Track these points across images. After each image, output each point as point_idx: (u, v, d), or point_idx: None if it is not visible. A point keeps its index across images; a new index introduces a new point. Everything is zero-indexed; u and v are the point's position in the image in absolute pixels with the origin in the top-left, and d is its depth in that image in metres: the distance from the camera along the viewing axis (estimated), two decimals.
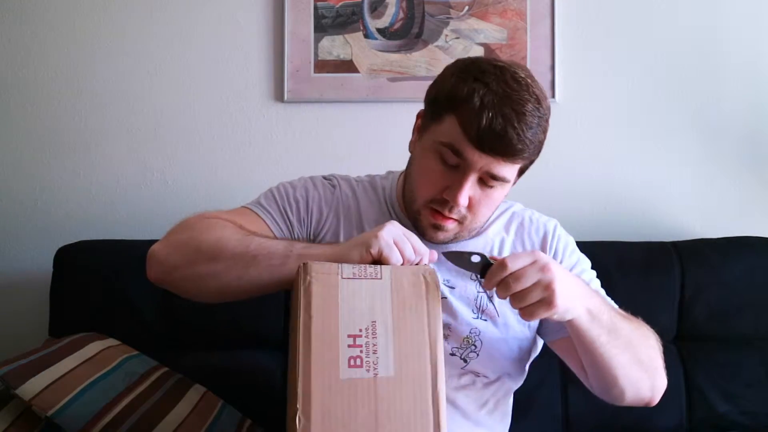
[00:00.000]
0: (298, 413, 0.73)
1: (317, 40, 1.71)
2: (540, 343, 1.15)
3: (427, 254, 0.90)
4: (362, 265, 0.83)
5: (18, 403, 1.06)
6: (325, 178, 1.16)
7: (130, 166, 1.73)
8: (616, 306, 1.07)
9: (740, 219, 1.70)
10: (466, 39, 1.70)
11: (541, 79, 1.67)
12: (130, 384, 1.18)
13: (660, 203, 1.71)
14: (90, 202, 1.73)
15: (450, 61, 1.66)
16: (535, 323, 1.10)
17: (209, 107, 1.73)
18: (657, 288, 1.48)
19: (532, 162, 1.00)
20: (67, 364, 1.15)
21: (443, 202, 0.98)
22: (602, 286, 1.47)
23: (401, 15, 1.71)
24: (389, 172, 1.18)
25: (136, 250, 1.51)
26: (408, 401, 0.76)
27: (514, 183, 1.03)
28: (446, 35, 1.71)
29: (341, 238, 1.07)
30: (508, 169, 0.95)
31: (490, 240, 1.11)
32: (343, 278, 0.80)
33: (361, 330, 0.78)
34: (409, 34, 1.71)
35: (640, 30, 1.71)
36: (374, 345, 0.77)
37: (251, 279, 0.94)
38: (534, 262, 0.84)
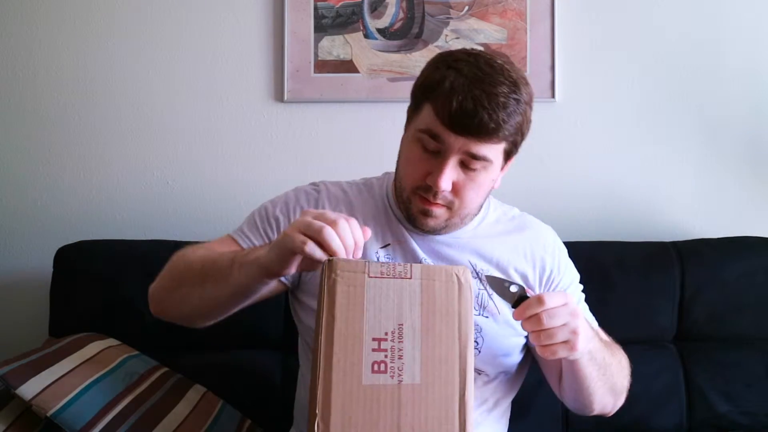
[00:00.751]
0: (317, 419, 0.71)
1: (317, 40, 1.71)
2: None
3: (346, 224, 0.83)
4: (391, 263, 0.79)
5: (18, 403, 1.07)
6: (312, 184, 1.16)
7: (130, 166, 1.73)
8: (601, 332, 1.11)
9: (740, 219, 1.69)
10: (466, 39, 1.70)
11: (541, 79, 1.68)
12: (130, 384, 1.19)
13: (660, 203, 1.71)
14: (90, 202, 1.73)
15: None
16: None
17: (209, 107, 1.73)
18: (657, 288, 1.48)
19: (516, 145, 1.00)
20: (67, 364, 1.15)
21: (428, 189, 0.99)
22: (602, 286, 1.49)
23: (401, 15, 1.71)
24: (386, 173, 1.18)
25: (136, 250, 1.52)
26: (433, 411, 0.73)
27: (503, 169, 1.04)
28: (446, 35, 1.71)
29: None
30: (487, 149, 0.96)
31: (486, 231, 1.11)
32: (370, 277, 0.76)
33: (386, 333, 0.74)
34: (409, 34, 1.71)
35: (640, 30, 1.71)
36: (400, 350, 0.74)
37: (211, 296, 0.96)
38: (566, 305, 0.88)
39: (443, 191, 0.97)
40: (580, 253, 1.52)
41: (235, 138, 1.73)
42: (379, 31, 1.72)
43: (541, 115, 1.72)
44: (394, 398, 0.73)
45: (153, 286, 1.07)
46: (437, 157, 0.97)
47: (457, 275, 0.78)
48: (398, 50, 1.71)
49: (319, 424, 0.71)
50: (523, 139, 1.00)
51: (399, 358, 0.74)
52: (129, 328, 1.44)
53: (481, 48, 1.70)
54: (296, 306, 1.13)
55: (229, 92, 1.73)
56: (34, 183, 1.73)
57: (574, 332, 0.88)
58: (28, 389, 1.05)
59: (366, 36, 1.71)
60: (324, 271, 0.77)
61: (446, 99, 0.93)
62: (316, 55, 1.70)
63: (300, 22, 1.70)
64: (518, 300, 0.89)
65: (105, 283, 1.49)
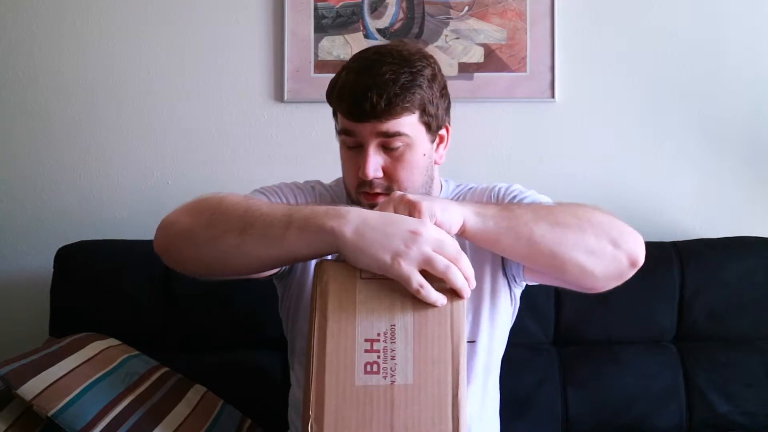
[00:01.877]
0: (311, 420, 0.71)
1: (317, 40, 1.71)
2: (516, 307, 1.13)
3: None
4: None
5: (19, 403, 1.07)
6: (305, 182, 1.18)
7: (130, 166, 1.73)
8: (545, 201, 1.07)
9: (740, 219, 1.69)
10: (465, 39, 1.70)
11: (541, 79, 1.69)
12: (130, 384, 1.19)
13: (660, 203, 1.71)
14: (90, 202, 1.73)
15: (450, 60, 1.69)
16: (501, 278, 1.08)
17: (209, 107, 1.73)
18: (657, 288, 1.48)
19: (430, 114, 1.01)
20: (67, 364, 1.15)
21: (364, 184, 1.02)
22: None
23: (401, 15, 1.71)
24: (336, 179, 1.20)
25: (136, 250, 1.52)
26: (426, 411, 0.73)
27: (439, 143, 1.07)
28: (446, 35, 1.71)
29: None
30: (395, 125, 0.98)
31: None
32: (361, 279, 0.76)
33: (379, 334, 0.74)
34: (409, 34, 1.71)
35: (641, 30, 1.71)
36: (392, 350, 0.74)
37: (250, 251, 0.84)
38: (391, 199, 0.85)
39: (373, 179, 1.00)
40: None
41: (235, 138, 1.73)
42: (379, 31, 1.72)
43: (541, 115, 1.74)
44: (387, 399, 0.73)
45: (169, 218, 0.95)
46: (359, 150, 1.01)
47: None
48: None
49: (312, 425, 0.72)
50: (442, 107, 1.03)
51: (391, 359, 0.74)
52: (129, 328, 1.44)
53: (481, 48, 1.70)
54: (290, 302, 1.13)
55: (229, 92, 1.73)
56: (34, 183, 1.73)
57: (408, 202, 0.82)
58: (29, 389, 1.05)
59: (366, 36, 1.71)
60: (316, 272, 0.77)
61: (342, 96, 0.99)
62: (316, 55, 1.70)
63: (300, 22, 1.70)
64: None
65: (105, 283, 1.49)
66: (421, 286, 0.75)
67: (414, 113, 0.99)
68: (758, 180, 1.71)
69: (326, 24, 1.71)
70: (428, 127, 1.03)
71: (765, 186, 1.72)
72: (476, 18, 1.70)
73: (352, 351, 0.74)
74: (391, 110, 0.97)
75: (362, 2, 1.71)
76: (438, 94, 1.02)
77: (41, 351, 1.20)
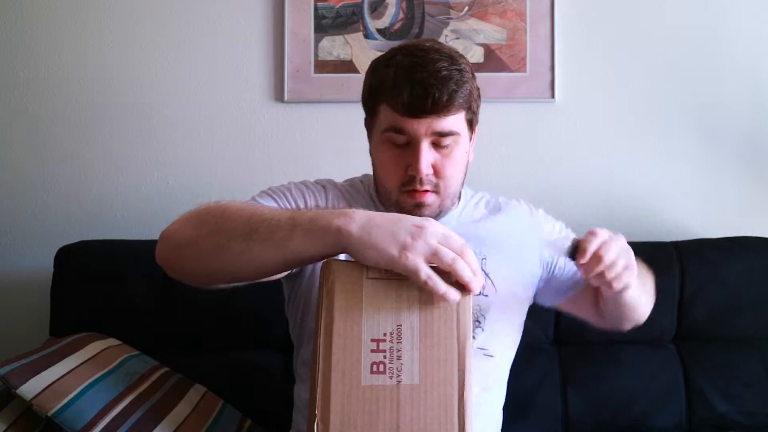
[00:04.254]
0: (317, 419, 0.71)
1: (317, 41, 1.71)
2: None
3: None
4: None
5: (19, 402, 1.07)
6: (316, 181, 1.16)
7: (130, 166, 1.73)
8: None
9: (740, 219, 1.69)
10: (466, 39, 1.70)
11: (541, 79, 1.69)
12: (130, 384, 1.19)
13: (660, 203, 1.71)
14: (90, 202, 1.73)
15: None
16: (530, 292, 1.16)
17: (209, 107, 1.73)
18: (657, 288, 1.48)
19: (474, 112, 1.04)
20: (67, 364, 1.15)
21: (412, 180, 1.00)
22: None
23: (401, 15, 1.71)
24: (365, 175, 1.19)
25: (136, 250, 1.52)
26: (432, 410, 0.73)
27: (472, 140, 1.07)
28: (446, 35, 1.71)
29: None
30: (450, 122, 0.99)
31: (471, 216, 1.14)
32: (368, 278, 0.76)
33: (385, 334, 0.74)
34: (409, 34, 1.71)
35: (641, 30, 1.71)
36: (399, 350, 0.74)
37: (256, 257, 0.83)
38: (609, 234, 0.91)
39: (426, 175, 0.99)
40: None
41: (235, 138, 1.73)
42: (379, 31, 1.72)
43: (541, 115, 1.74)
44: (393, 399, 0.73)
45: (171, 229, 0.94)
46: (409, 148, 1.00)
47: None
48: None
49: (318, 424, 0.71)
50: (478, 105, 1.05)
51: (398, 359, 0.74)
52: (129, 328, 1.44)
53: (481, 48, 1.70)
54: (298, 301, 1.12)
55: (229, 92, 1.73)
56: (34, 183, 1.73)
57: (628, 254, 0.92)
58: (29, 389, 1.05)
59: (366, 36, 1.71)
60: (323, 272, 0.77)
61: (396, 92, 0.96)
62: (316, 55, 1.70)
63: (300, 22, 1.70)
64: (573, 250, 0.89)
65: (105, 282, 1.49)
66: (429, 278, 0.75)
67: (463, 110, 1.01)
68: (758, 180, 1.71)
69: (326, 24, 1.71)
70: (470, 124, 1.05)
71: (765, 186, 1.72)
72: (476, 18, 1.70)
73: (359, 351, 0.74)
74: (449, 107, 0.97)
75: (362, 2, 1.71)
76: (477, 93, 1.04)
77: (41, 351, 1.20)
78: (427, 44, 1.00)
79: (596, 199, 1.71)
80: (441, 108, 0.96)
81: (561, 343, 1.50)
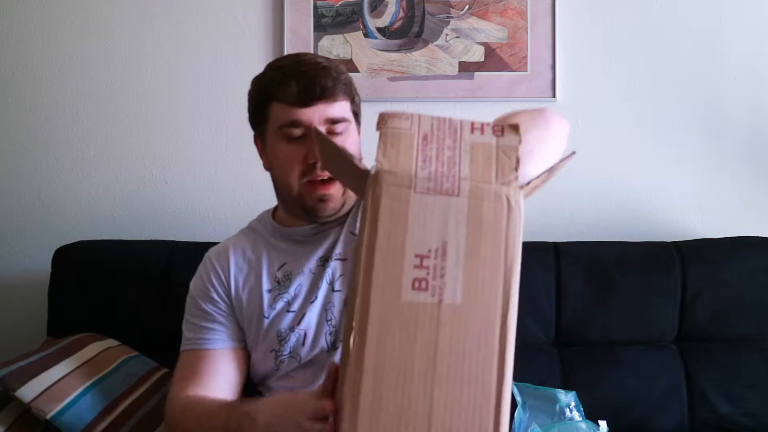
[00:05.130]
0: (354, 332, 0.69)
1: (317, 40, 1.70)
2: None
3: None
4: (439, 179, 0.73)
5: (17, 405, 1.06)
6: (210, 261, 1.17)
7: (129, 166, 1.72)
8: None
9: (742, 219, 1.69)
10: (466, 38, 1.70)
11: (542, 78, 1.68)
12: (130, 386, 1.18)
13: (661, 203, 1.71)
14: (89, 202, 1.72)
15: (450, 59, 1.69)
16: None
17: (209, 107, 1.72)
18: (658, 288, 1.48)
19: (357, 104, 1.12)
20: (66, 366, 1.15)
21: (312, 168, 1.04)
22: (603, 286, 1.48)
23: (401, 14, 1.71)
24: (260, 214, 1.23)
25: (135, 250, 1.52)
26: (472, 333, 0.70)
27: (359, 134, 1.13)
28: (446, 34, 1.70)
29: (248, 292, 1.12)
30: (338, 109, 1.06)
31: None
32: (416, 192, 0.72)
33: (429, 251, 0.71)
34: (409, 33, 1.71)
35: (641, 30, 1.71)
36: (443, 268, 0.70)
37: None
38: None
39: None
40: (581, 253, 1.52)
41: (235, 138, 1.72)
42: (379, 30, 1.71)
43: None
44: (433, 317, 0.70)
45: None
46: (305, 139, 1.04)
47: (507, 197, 0.73)
48: (398, 49, 1.70)
49: (355, 337, 0.69)
50: (359, 100, 1.12)
51: (441, 277, 0.70)
52: (128, 328, 1.43)
53: (481, 47, 1.69)
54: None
55: (228, 92, 1.72)
56: (33, 183, 1.72)
57: None
58: (28, 391, 1.05)
59: (366, 35, 1.71)
60: (369, 184, 0.73)
61: (286, 85, 1.04)
62: (315, 54, 1.70)
63: (300, 21, 1.70)
64: None
65: (104, 283, 1.48)
66: None
67: (347, 99, 1.08)
68: (759, 180, 1.71)
69: (326, 23, 1.70)
70: (356, 116, 1.12)
71: (765, 186, 1.71)
72: (477, 17, 1.70)
73: (401, 266, 0.70)
74: (335, 92, 1.04)
75: (362, 1, 1.70)
76: (355, 88, 1.11)
77: (40, 352, 1.19)
78: (304, 52, 1.12)
79: (597, 199, 1.71)
80: (328, 94, 1.04)
81: (561, 344, 1.50)
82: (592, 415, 1.42)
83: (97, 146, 1.72)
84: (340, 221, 1.12)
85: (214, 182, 1.72)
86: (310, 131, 1.03)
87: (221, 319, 1.12)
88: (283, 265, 1.12)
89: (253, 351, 1.12)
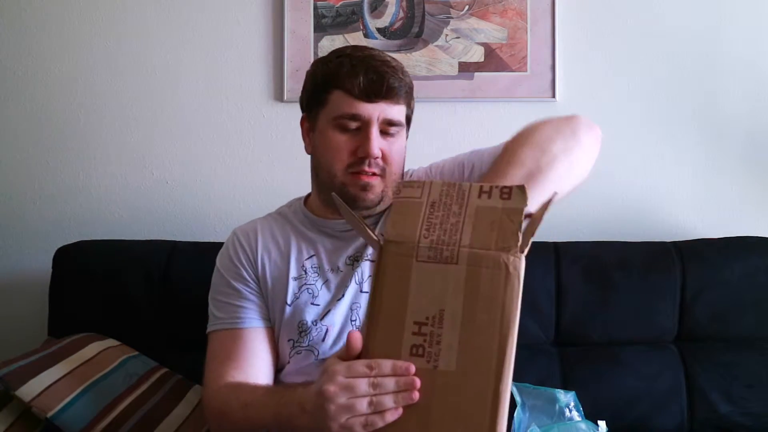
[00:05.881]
0: None
1: (317, 40, 1.70)
2: None
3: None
4: (439, 247, 0.76)
5: (18, 404, 1.06)
6: (238, 239, 1.16)
7: (129, 166, 1.72)
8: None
9: (741, 219, 1.69)
10: (466, 38, 1.70)
11: (542, 78, 1.68)
12: (130, 385, 1.19)
13: (660, 203, 1.71)
14: (90, 202, 1.72)
15: (450, 60, 1.69)
16: None
17: (209, 107, 1.72)
18: (658, 288, 1.48)
19: (412, 109, 1.12)
20: (66, 365, 1.15)
21: (360, 162, 1.04)
22: (603, 286, 1.48)
23: (401, 14, 1.71)
24: (290, 201, 1.22)
25: (135, 250, 1.52)
26: (465, 400, 0.72)
27: (407, 135, 1.13)
28: (446, 35, 1.70)
29: (273, 275, 1.11)
30: (397, 111, 1.06)
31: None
32: (417, 261, 0.76)
33: (427, 318, 0.74)
34: (409, 33, 1.71)
35: (641, 30, 1.71)
36: (439, 335, 0.74)
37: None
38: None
39: (376, 157, 1.04)
40: (581, 253, 1.53)
41: (235, 138, 1.72)
42: (379, 30, 1.71)
43: (541, 114, 1.71)
44: (428, 383, 0.73)
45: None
46: (359, 132, 1.05)
47: (505, 263, 0.75)
48: (398, 50, 1.70)
49: None
50: (414, 104, 1.12)
51: (437, 344, 0.74)
52: (128, 328, 1.43)
53: (481, 48, 1.69)
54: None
55: (228, 92, 1.72)
56: (33, 183, 1.72)
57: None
58: (28, 390, 1.05)
59: (366, 35, 1.71)
60: (377, 254, 0.78)
61: (354, 77, 1.03)
62: (316, 54, 1.70)
63: (300, 21, 1.70)
64: None
65: (104, 283, 1.48)
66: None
67: (406, 104, 1.09)
68: (759, 180, 1.71)
69: (326, 23, 1.70)
70: (408, 121, 1.11)
71: (765, 186, 1.71)
72: (477, 17, 1.70)
73: (401, 332, 0.74)
74: (399, 95, 1.05)
75: (362, 1, 1.70)
76: (413, 92, 1.11)
77: (40, 352, 1.19)
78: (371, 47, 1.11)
79: (597, 199, 1.71)
80: (392, 94, 1.04)
81: (561, 344, 1.50)
82: (591, 415, 1.42)
83: (97, 146, 1.72)
84: (374, 221, 1.11)
85: (214, 182, 1.72)
86: (365, 125, 1.04)
87: (252, 297, 1.11)
88: (312, 256, 1.12)
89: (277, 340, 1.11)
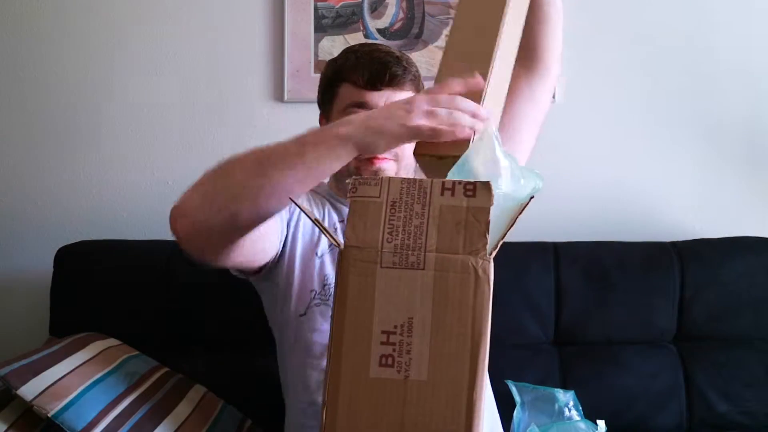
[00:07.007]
0: (325, 407, 0.71)
1: (317, 40, 1.71)
2: None
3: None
4: (404, 252, 0.74)
5: (19, 403, 1.07)
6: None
7: (130, 166, 1.73)
8: None
9: (740, 219, 1.69)
10: None
11: None
12: (131, 384, 1.19)
13: (659, 203, 1.71)
14: (90, 202, 1.73)
15: None
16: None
17: (209, 107, 1.73)
18: (656, 288, 1.49)
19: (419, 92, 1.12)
20: (68, 364, 1.15)
21: None
22: (602, 286, 1.49)
23: (401, 15, 1.71)
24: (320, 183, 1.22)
25: (136, 250, 1.52)
26: (438, 409, 0.70)
27: None
28: (446, 35, 1.70)
29: (305, 224, 1.13)
30: (405, 96, 1.06)
31: None
32: (381, 267, 0.73)
33: (395, 327, 0.72)
34: (409, 34, 1.71)
35: (641, 30, 1.71)
36: (408, 344, 0.71)
37: (274, 183, 0.89)
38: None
39: None
40: (580, 253, 1.53)
41: (235, 138, 1.72)
42: (379, 31, 1.72)
43: None
44: (400, 393, 0.71)
45: (185, 196, 1.00)
46: None
47: (474, 267, 0.72)
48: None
49: (327, 410, 0.71)
50: (422, 88, 1.15)
51: (407, 353, 0.71)
52: (129, 328, 1.44)
53: None
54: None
55: (228, 92, 1.73)
56: (34, 183, 1.73)
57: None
58: (29, 390, 1.05)
59: (366, 36, 1.71)
60: (338, 263, 0.75)
61: (359, 68, 1.09)
62: (316, 55, 1.70)
63: (300, 22, 1.70)
64: None
65: (105, 283, 1.49)
66: (438, 126, 0.80)
67: (414, 91, 1.11)
68: (758, 180, 1.71)
69: (326, 24, 1.71)
70: None
71: (765, 186, 1.72)
72: None
73: (368, 342, 0.72)
74: (404, 80, 1.10)
75: (362, 2, 1.71)
76: (422, 81, 1.15)
77: (41, 351, 1.20)
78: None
79: (596, 199, 1.71)
80: (397, 81, 1.09)
81: (561, 344, 1.50)
82: (590, 414, 1.43)
83: (98, 147, 1.73)
84: None
85: None
86: None
87: (279, 220, 1.09)
88: (342, 221, 1.15)
89: (291, 281, 1.11)
